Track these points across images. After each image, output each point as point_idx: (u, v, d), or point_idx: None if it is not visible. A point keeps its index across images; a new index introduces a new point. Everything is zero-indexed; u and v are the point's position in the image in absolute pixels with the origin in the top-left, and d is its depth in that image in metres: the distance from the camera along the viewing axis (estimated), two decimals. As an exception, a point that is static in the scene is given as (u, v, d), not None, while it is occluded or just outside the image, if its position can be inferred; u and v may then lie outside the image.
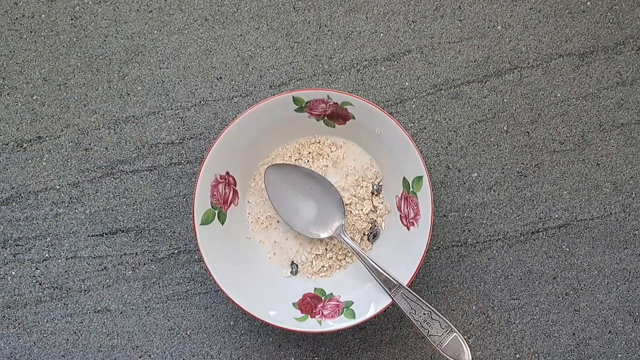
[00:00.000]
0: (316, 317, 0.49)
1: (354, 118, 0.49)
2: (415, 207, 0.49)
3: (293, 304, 0.50)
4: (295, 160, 0.52)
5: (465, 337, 0.54)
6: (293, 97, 0.48)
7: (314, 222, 0.51)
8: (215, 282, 0.48)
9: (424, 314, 0.47)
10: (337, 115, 0.50)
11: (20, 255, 0.53)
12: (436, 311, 0.47)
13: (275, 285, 0.51)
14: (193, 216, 0.48)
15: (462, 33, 0.54)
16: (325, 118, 0.50)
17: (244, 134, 0.49)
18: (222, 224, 0.50)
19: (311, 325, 0.48)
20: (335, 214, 0.51)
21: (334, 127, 0.51)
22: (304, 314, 0.49)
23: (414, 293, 0.47)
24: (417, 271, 0.47)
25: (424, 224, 0.48)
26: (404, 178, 0.50)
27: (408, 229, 0.50)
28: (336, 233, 0.50)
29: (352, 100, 0.48)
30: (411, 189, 0.49)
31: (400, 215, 0.51)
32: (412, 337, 0.54)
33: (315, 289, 0.51)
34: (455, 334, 0.46)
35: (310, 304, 0.50)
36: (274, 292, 0.51)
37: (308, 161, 0.52)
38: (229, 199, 0.51)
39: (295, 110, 0.49)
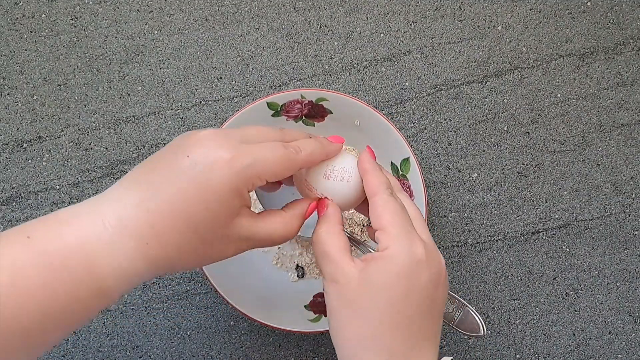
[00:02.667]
0: None
1: (332, 113, 0.49)
2: (408, 189, 0.49)
3: (305, 306, 0.50)
4: None
5: (465, 337, 0.54)
6: (267, 102, 0.48)
7: (312, 222, 0.51)
8: (231, 305, 0.47)
9: None
10: (314, 114, 0.50)
11: (20, 255, 0.53)
12: None
13: (285, 291, 0.51)
14: None
15: (462, 33, 0.54)
16: (304, 118, 0.50)
17: None
18: None
19: (326, 323, 0.48)
20: None
21: (314, 126, 0.51)
22: (317, 314, 0.49)
23: None
24: None
25: (419, 204, 0.48)
26: (392, 163, 0.50)
27: None
28: None
29: (326, 95, 0.48)
30: (400, 172, 0.49)
31: None
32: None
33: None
34: (466, 307, 0.46)
35: (322, 303, 0.50)
36: (284, 299, 0.50)
37: None
38: None
39: (271, 115, 0.49)
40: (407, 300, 0.34)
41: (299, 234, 0.51)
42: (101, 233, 0.30)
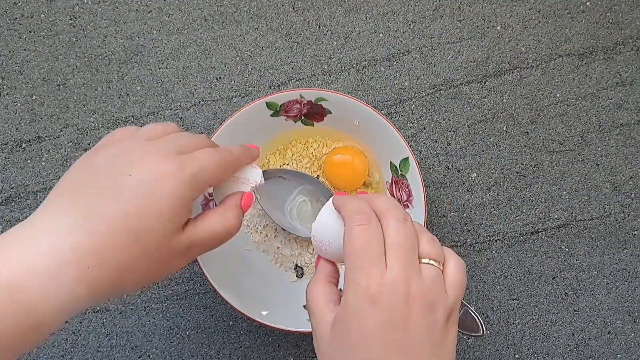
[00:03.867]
0: None
1: (331, 113, 0.49)
2: (407, 189, 0.49)
3: (304, 306, 0.50)
4: (281, 165, 0.52)
5: (464, 337, 0.54)
6: (266, 102, 0.48)
7: (311, 222, 0.51)
8: (228, 304, 0.47)
9: None
10: (313, 113, 0.50)
11: (19, 255, 0.53)
12: None
13: (284, 291, 0.51)
14: None
15: (461, 33, 0.54)
16: (303, 118, 0.50)
17: None
18: None
19: None
20: None
21: (313, 126, 0.51)
22: None
23: None
24: None
25: (418, 204, 0.48)
26: (391, 162, 0.50)
27: None
28: None
29: (325, 95, 0.48)
30: (400, 172, 0.49)
31: None
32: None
33: None
34: (465, 307, 0.46)
35: None
36: (283, 299, 0.50)
37: (293, 163, 0.52)
38: None
39: (270, 115, 0.49)
40: (366, 346, 0.31)
41: (299, 234, 0.51)
42: (33, 264, 0.29)
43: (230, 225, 0.37)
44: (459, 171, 0.54)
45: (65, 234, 0.30)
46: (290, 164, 0.52)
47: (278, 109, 0.49)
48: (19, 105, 0.54)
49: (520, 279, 0.54)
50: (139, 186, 0.31)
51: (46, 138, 0.54)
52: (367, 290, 0.31)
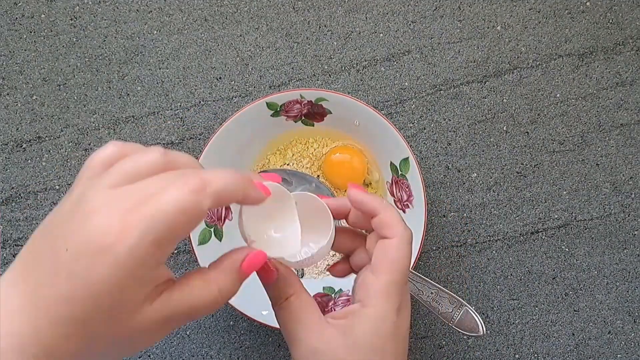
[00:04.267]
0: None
1: (331, 113, 0.49)
2: (407, 189, 0.49)
3: None
4: (281, 165, 0.52)
5: (464, 337, 0.54)
6: (266, 102, 0.48)
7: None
8: (228, 304, 0.47)
9: (432, 292, 0.46)
10: (313, 114, 0.50)
11: (19, 255, 0.53)
12: (443, 288, 0.46)
13: None
14: (189, 238, 0.48)
15: (461, 33, 0.54)
16: (303, 118, 0.50)
17: (225, 150, 0.49)
18: (220, 241, 0.50)
19: None
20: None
21: (313, 126, 0.51)
22: None
23: (418, 274, 0.47)
24: (419, 252, 0.47)
25: (419, 204, 0.48)
26: (391, 162, 0.50)
27: (404, 211, 0.50)
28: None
29: (325, 95, 0.48)
30: (400, 172, 0.49)
31: (394, 200, 0.51)
32: (413, 337, 0.54)
33: (324, 287, 0.51)
34: (465, 307, 0.46)
35: (321, 303, 0.50)
36: None
37: (293, 163, 0.52)
38: (222, 215, 0.51)
39: (271, 115, 0.49)
40: (396, 353, 0.33)
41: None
42: None
43: (219, 297, 0.29)
44: (459, 171, 0.54)
45: (13, 315, 0.25)
46: (291, 164, 0.52)
47: (278, 109, 0.49)
48: (19, 105, 0.54)
49: (520, 279, 0.54)
50: (72, 265, 0.25)
51: (46, 138, 0.54)
52: (399, 301, 0.33)
